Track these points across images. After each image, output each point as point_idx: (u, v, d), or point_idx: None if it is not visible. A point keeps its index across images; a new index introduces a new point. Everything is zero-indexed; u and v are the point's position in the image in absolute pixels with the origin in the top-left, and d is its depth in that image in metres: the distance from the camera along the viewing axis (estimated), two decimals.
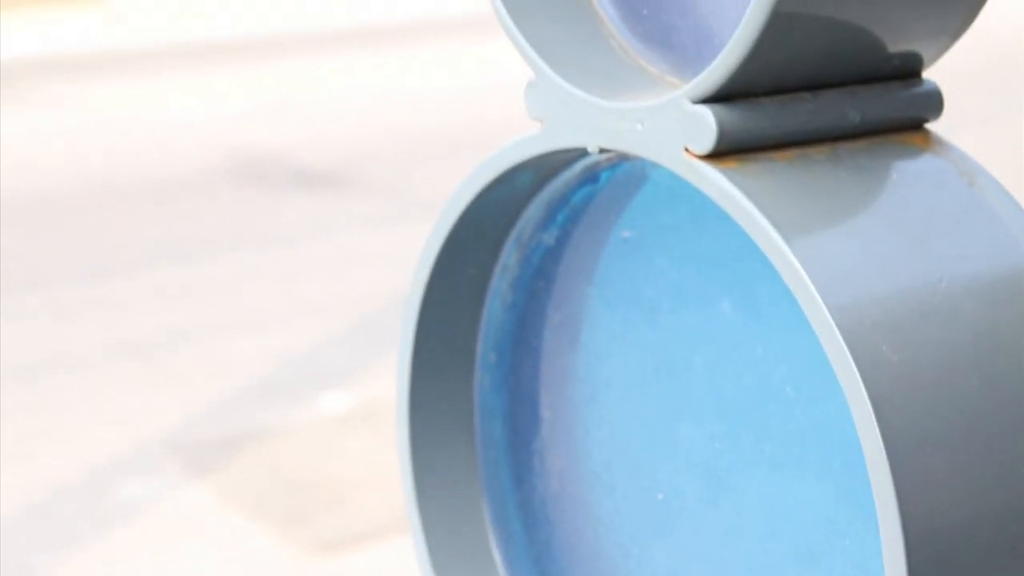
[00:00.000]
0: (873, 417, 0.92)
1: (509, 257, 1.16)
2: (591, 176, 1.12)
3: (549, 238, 1.15)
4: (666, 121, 0.98)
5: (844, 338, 0.93)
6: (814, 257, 0.94)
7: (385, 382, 5.02)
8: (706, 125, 0.96)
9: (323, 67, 11.36)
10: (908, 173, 1.02)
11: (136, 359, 5.46)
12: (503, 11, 1.08)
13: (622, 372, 1.13)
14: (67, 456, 4.59)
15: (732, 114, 0.97)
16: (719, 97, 0.97)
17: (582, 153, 1.07)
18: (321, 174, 8.15)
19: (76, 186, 8.01)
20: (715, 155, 0.97)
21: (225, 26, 13.25)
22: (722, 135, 0.96)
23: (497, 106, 8.50)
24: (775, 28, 0.94)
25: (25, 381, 5.23)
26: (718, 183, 0.96)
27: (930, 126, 1.06)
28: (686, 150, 0.97)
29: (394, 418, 1.22)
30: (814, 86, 1.01)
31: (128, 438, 4.71)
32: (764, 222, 0.94)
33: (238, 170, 8.28)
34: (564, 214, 1.15)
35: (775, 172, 0.98)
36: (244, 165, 8.40)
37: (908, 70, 1.04)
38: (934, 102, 1.05)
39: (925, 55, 1.04)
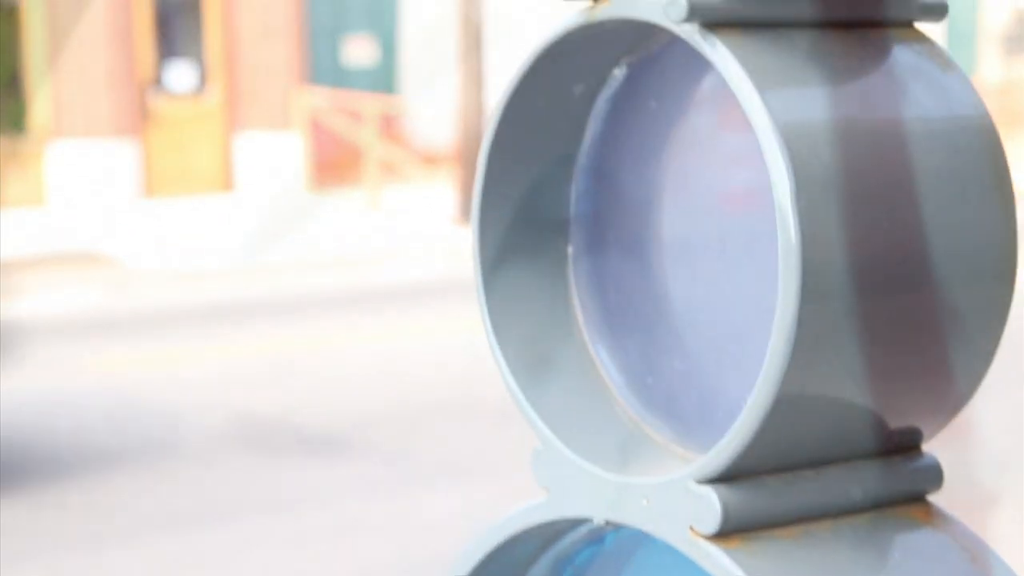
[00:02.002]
0: None
1: None
2: (596, 538, 1.13)
3: None
4: (672, 500, 0.99)
5: None
6: None
7: None
8: (711, 507, 0.97)
9: (327, 329, 11.47)
10: (910, 549, 1.03)
11: None
12: (511, 379, 1.10)
13: None
14: None
15: (737, 495, 0.98)
16: (724, 477, 0.99)
17: (588, 519, 1.08)
18: (323, 439, 8.16)
19: (75, 450, 8.01)
20: (720, 534, 0.98)
21: (227, 288, 13.42)
22: (727, 517, 0.97)
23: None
24: (779, 411, 0.97)
25: None
26: (723, 564, 0.97)
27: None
28: (691, 528, 0.99)
29: None
30: (817, 463, 1.02)
31: None
32: None
33: (240, 434, 8.29)
34: (569, 573, 1.15)
35: (779, 551, 0.99)
36: (246, 429, 8.41)
37: (909, 444, 1.06)
38: (934, 476, 1.07)
39: (925, 430, 1.06)
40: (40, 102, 15.97)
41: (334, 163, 17.83)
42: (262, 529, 6.61)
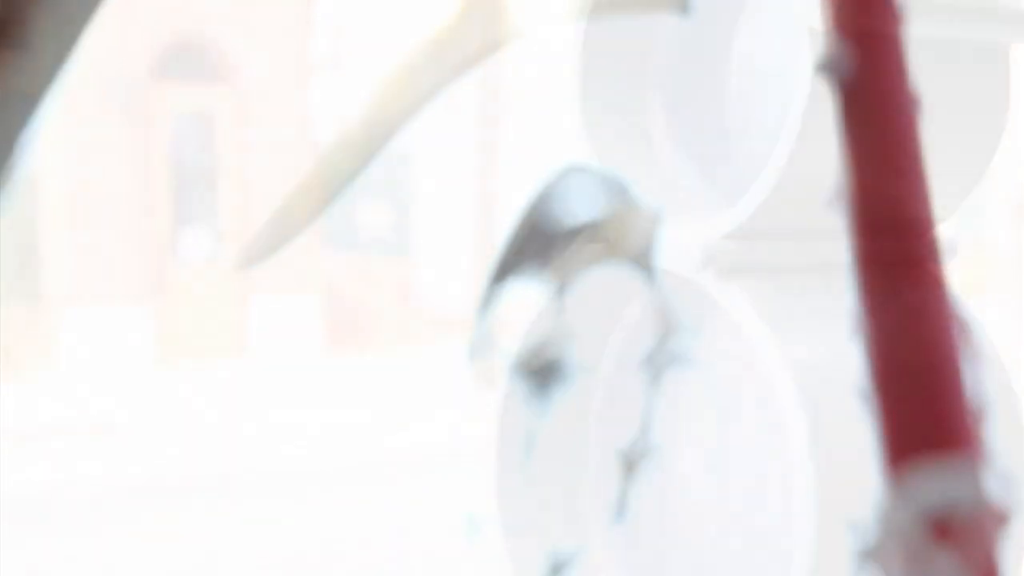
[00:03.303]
0: None
1: None
2: None
3: None
4: None
5: None
6: None
7: None
8: None
9: (341, 497, 11.41)
10: None
11: None
12: None
13: None
14: None
15: None
16: None
17: None
18: None
19: None
20: None
21: (231, 459, 13.38)
22: None
23: None
24: None
25: None
26: None
27: None
28: None
29: None
30: None
31: None
32: None
33: None
34: None
35: None
36: None
37: None
38: None
39: None
40: (56, 270, 16.10)
41: (349, 327, 17.91)
42: None
